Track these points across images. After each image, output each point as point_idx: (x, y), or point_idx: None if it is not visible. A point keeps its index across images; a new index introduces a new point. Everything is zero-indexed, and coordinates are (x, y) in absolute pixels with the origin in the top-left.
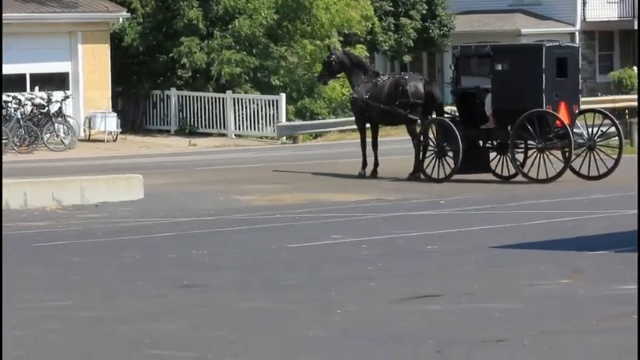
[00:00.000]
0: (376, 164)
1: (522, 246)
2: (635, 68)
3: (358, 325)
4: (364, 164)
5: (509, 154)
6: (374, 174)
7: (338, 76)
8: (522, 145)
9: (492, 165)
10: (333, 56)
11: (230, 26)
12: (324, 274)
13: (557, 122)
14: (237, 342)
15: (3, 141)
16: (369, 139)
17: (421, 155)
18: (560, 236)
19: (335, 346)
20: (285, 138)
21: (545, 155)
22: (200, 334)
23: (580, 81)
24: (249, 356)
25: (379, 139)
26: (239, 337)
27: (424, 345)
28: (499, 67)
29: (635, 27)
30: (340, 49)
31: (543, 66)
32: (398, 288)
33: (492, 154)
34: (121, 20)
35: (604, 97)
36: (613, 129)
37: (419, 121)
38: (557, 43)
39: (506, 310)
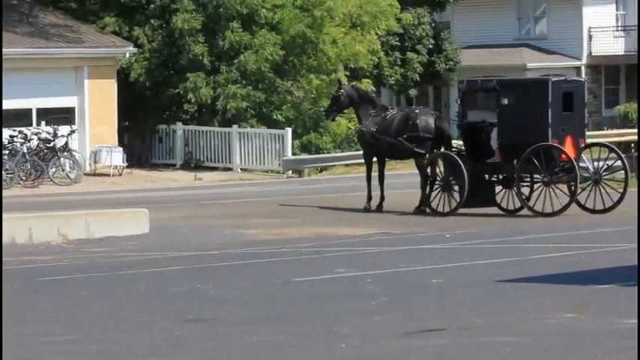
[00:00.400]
0: (382, 198)
1: (528, 280)
2: None
3: (363, 359)
4: (369, 198)
5: (515, 187)
6: (379, 208)
7: (345, 111)
8: (528, 179)
9: (498, 199)
10: (342, 91)
11: (236, 61)
12: (329, 308)
13: (563, 156)
14: None
15: (9, 175)
16: (375, 173)
17: (428, 189)
18: (566, 270)
19: None
20: (290, 172)
21: (550, 189)
22: None
23: (586, 115)
24: None
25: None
26: None
27: None
28: (505, 101)
29: None
30: (347, 83)
31: (549, 100)
32: (403, 322)
33: (498, 188)
34: (127, 55)
35: (610, 131)
36: (619, 163)
37: (427, 155)
38: (564, 78)
39: (512, 344)
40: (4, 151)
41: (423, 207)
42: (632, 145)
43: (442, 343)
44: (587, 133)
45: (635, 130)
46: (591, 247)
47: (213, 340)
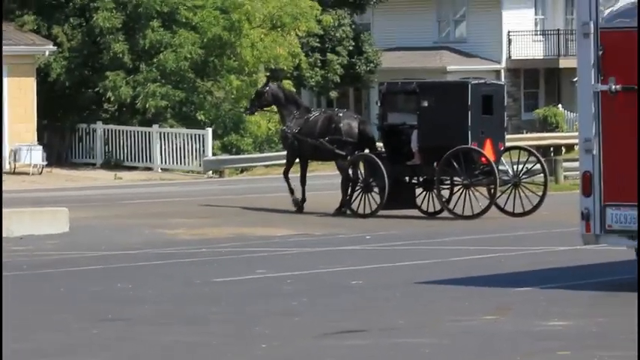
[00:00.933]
0: (303, 199)
1: (447, 282)
2: (560, 106)
3: (283, 359)
4: (292, 191)
5: (434, 190)
6: (300, 209)
7: (265, 109)
8: (448, 182)
9: (418, 201)
10: (267, 88)
11: (155, 60)
12: (249, 309)
13: (483, 159)
14: None
15: None
16: (295, 175)
17: (349, 190)
18: (485, 272)
19: None
20: (211, 172)
21: (470, 192)
22: None
23: (505, 118)
24: None
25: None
26: None
27: None
28: (425, 103)
29: (560, 65)
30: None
31: (469, 103)
32: (323, 323)
33: (418, 190)
34: (47, 54)
35: (529, 135)
36: (538, 166)
37: (348, 157)
38: (483, 81)
39: (431, 345)
40: None
41: (344, 208)
42: (552, 148)
43: (362, 343)
44: (507, 136)
45: (554, 134)
46: (511, 250)
47: (130, 340)
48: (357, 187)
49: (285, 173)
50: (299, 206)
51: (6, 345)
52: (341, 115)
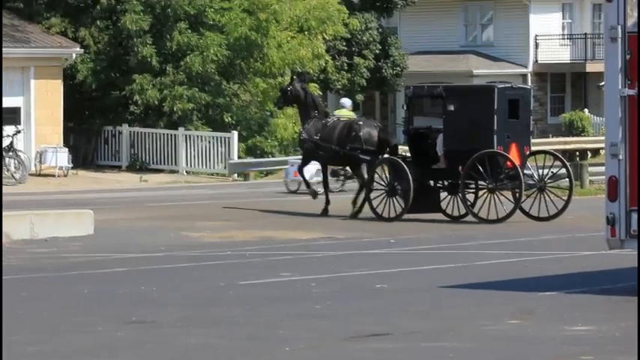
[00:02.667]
0: (327, 202)
1: (472, 286)
2: (586, 110)
3: None
4: (308, 185)
5: (459, 194)
6: (325, 212)
7: (293, 105)
8: (473, 186)
9: (443, 205)
10: (290, 87)
11: (182, 63)
12: (273, 312)
13: (508, 163)
14: None
15: None
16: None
17: (364, 195)
18: (510, 277)
19: None
20: (236, 175)
21: (495, 196)
22: None
23: (531, 122)
24: None
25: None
26: None
27: None
28: (451, 107)
29: (587, 69)
30: (300, 84)
31: (495, 107)
32: (347, 326)
33: (443, 194)
34: (74, 56)
35: (555, 139)
36: (563, 170)
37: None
38: (510, 85)
39: (455, 349)
40: None
41: (359, 212)
42: (577, 152)
43: (386, 347)
44: (533, 140)
45: (580, 138)
46: (536, 254)
47: (154, 342)
48: (381, 191)
49: (300, 169)
50: (316, 196)
51: (28, 347)
52: (361, 123)
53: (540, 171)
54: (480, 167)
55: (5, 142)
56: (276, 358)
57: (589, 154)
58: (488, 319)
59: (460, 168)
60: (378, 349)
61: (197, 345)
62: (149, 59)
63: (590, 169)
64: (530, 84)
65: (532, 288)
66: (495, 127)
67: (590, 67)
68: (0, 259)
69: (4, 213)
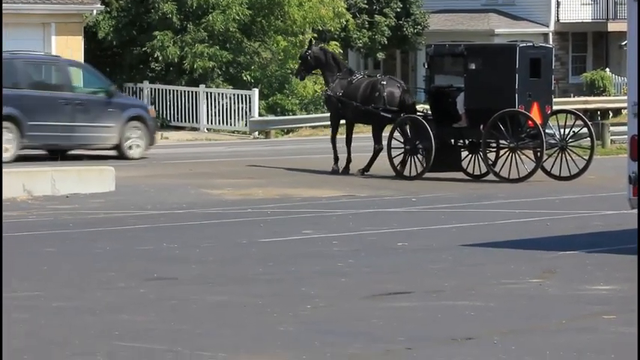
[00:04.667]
0: (349, 161)
1: (493, 245)
2: (607, 70)
3: (328, 320)
4: (336, 159)
5: (481, 153)
6: (346, 170)
7: (314, 72)
8: (494, 145)
9: (464, 164)
10: (309, 52)
11: (203, 20)
12: (295, 269)
13: (530, 122)
14: (205, 335)
15: None
16: (342, 136)
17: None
18: (531, 236)
19: (304, 340)
20: (257, 133)
21: (516, 155)
22: (168, 327)
23: (553, 82)
24: (217, 350)
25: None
26: (207, 331)
27: (394, 342)
28: (472, 66)
29: (609, 29)
30: (316, 45)
31: (517, 66)
32: (368, 284)
33: (464, 153)
34: (95, 13)
35: (576, 98)
36: (585, 130)
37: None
38: (531, 44)
39: (476, 308)
40: None
41: (366, 172)
42: (599, 112)
43: (407, 305)
44: (554, 99)
45: (601, 98)
46: (557, 214)
47: (175, 299)
48: (403, 150)
49: (333, 138)
50: (336, 171)
51: (53, 302)
52: (384, 82)
53: (562, 130)
54: (501, 126)
55: None
56: (298, 315)
57: (610, 114)
58: (510, 278)
59: (481, 127)
60: (399, 308)
61: (221, 302)
62: (169, 16)
63: (612, 128)
64: (551, 43)
65: (553, 247)
66: (517, 86)
67: (612, 27)
68: (0, 218)
69: (25, 169)
